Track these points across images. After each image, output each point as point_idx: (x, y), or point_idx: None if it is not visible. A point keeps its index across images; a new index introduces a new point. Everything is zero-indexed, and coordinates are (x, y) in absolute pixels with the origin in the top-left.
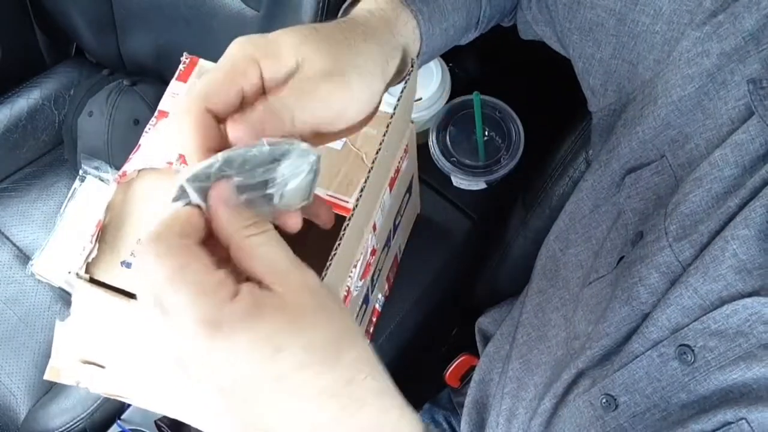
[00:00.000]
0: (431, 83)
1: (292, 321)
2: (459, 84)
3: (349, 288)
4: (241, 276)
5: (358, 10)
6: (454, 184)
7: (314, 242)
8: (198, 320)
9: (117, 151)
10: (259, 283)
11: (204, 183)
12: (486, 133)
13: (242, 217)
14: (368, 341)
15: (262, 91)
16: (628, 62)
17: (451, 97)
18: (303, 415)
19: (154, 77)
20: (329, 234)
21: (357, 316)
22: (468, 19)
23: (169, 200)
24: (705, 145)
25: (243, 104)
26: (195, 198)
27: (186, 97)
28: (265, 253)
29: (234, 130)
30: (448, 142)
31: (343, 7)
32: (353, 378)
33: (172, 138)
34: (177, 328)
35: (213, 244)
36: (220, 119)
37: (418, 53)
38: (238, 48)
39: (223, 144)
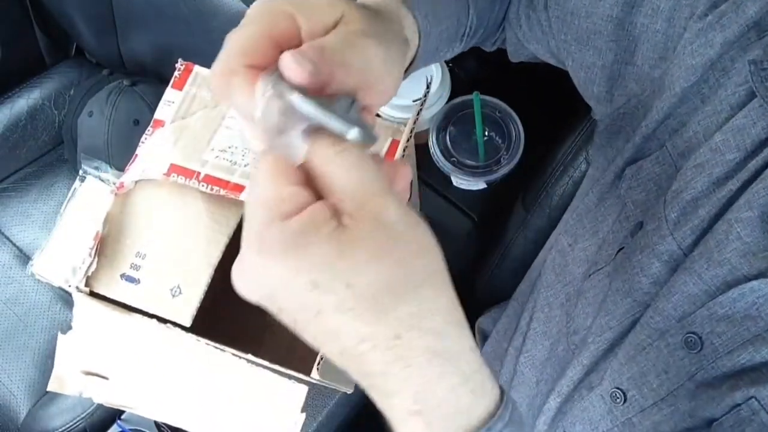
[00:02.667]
0: (431, 83)
1: (340, 259)
2: (459, 84)
3: None
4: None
5: (367, 2)
6: (454, 184)
7: None
8: (250, 235)
9: (117, 151)
10: (338, 212)
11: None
12: (486, 133)
13: (332, 138)
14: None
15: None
16: (632, 65)
17: (451, 97)
18: (346, 358)
19: (154, 77)
20: None
21: None
22: (457, 28)
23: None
24: (703, 132)
25: None
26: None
27: (221, 57)
28: (347, 175)
29: (297, 61)
30: (448, 142)
31: None
32: (403, 334)
33: (163, 150)
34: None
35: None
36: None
37: (415, 56)
38: (272, 5)
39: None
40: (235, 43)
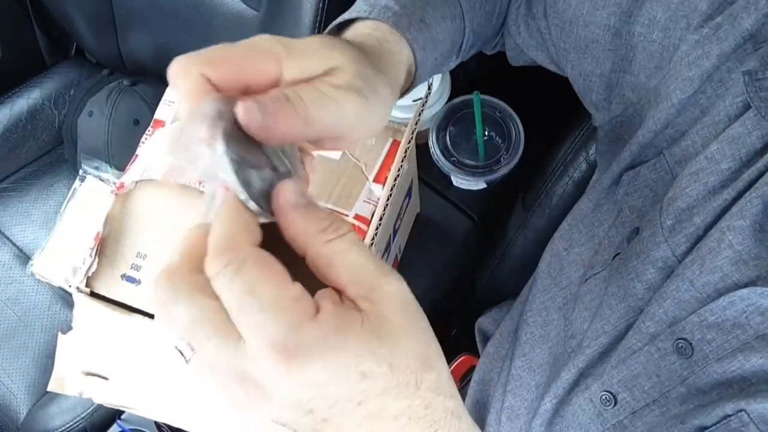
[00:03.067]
0: (432, 84)
1: (380, 344)
2: (459, 84)
3: None
4: (312, 284)
5: (365, 36)
6: (454, 184)
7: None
8: (272, 344)
9: (117, 151)
10: (340, 293)
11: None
12: (486, 133)
13: (318, 220)
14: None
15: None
16: (629, 73)
17: (451, 97)
18: None
19: (154, 77)
20: None
21: None
22: (451, 48)
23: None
24: (701, 141)
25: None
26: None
27: (191, 53)
28: (348, 260)
29: (247, 110)
30: (448, 142)
31: (335, 23)
32: (432, 401)
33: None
34: (245, 352)
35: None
36: (216, 88)
37: (411, 82)
38: (263, 41)
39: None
40: (209, 50)
